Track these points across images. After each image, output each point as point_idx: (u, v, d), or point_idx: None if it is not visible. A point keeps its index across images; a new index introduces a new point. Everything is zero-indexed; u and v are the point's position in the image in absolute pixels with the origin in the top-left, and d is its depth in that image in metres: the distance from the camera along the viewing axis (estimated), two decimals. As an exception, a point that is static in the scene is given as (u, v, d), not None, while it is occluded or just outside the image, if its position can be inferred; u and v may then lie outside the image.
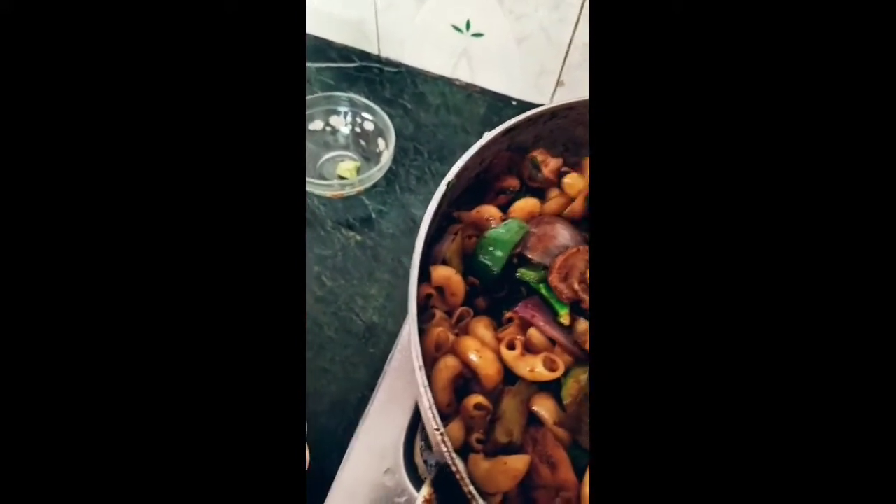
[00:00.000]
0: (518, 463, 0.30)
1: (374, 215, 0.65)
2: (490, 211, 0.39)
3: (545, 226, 0.38)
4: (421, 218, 0.64)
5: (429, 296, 0.37)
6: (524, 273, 0.36)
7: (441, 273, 0.37)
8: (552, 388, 0.33)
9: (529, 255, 0.36)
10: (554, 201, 0.41)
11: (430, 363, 0.33)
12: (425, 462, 0.40)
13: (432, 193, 0.62)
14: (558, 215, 0.40)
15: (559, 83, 0.71)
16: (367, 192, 0.65)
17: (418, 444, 0.42)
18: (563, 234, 0.37)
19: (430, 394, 0.29)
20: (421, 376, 0.30)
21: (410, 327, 0.31)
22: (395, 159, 0.67)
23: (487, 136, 0.40)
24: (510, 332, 0.34)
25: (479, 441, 0.31)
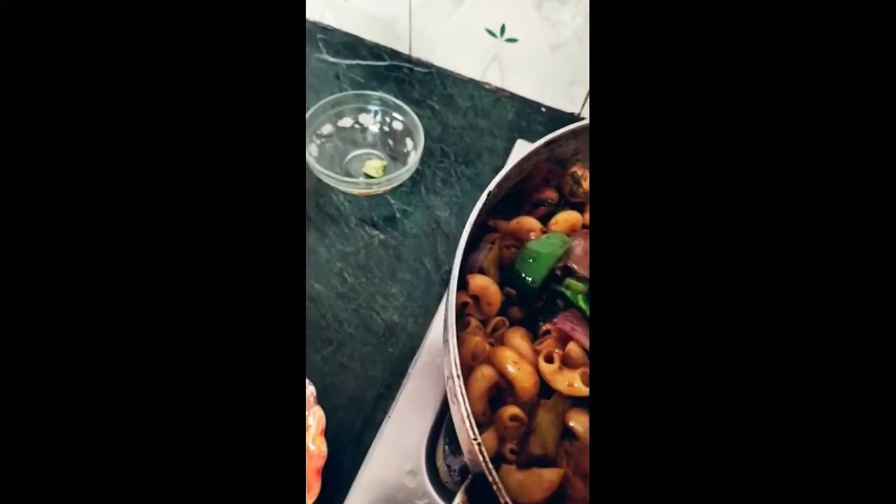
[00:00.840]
0: (552, 475, 0.30)
1: (398, 215, 0.65)
2: (530, 223, 0.40)
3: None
4: (445, 220, 0.64)
5: (465, 304, 0.37)
6: (571, 284, 0.36)
7: (478, 282, 0.37)
8: (588, 403, 0.33)
9: (575, 268, 0.36)
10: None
11: (465, 372, 0.34)
12: (448, 467, 0.40)
13: (458, 196, 0.62)
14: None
15: (590, 92, 0.71)
16: (393, 191, 0.65)
17: (441, 447, 0.42)
18: None
19: (467, 404, 0.29)
20: (459, 384, 0.30)
21: (449, 336, 0.32)
22: (421, 160, 0.67)
23: (529, 147, 0.40)
24: (547, 344, 0.34)
25: (512, 452, 0.32)
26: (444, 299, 0.51)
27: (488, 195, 0.37)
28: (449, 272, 0.47)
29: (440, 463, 0.42)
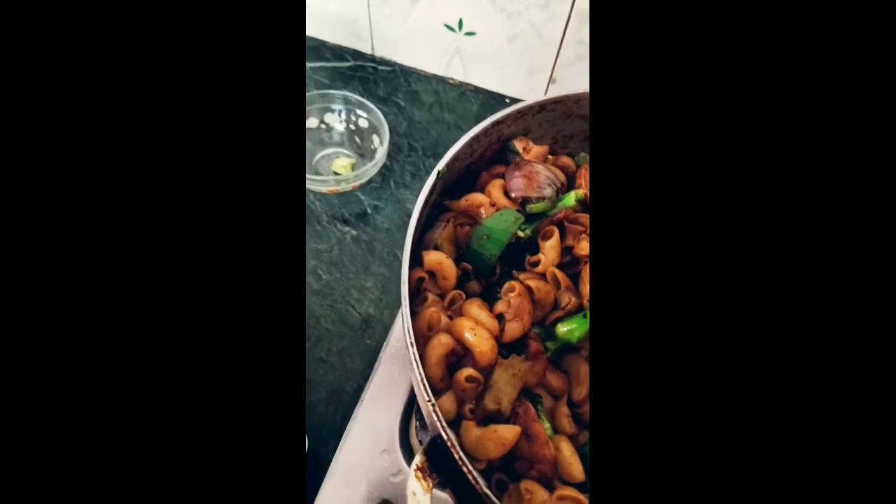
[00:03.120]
0: (507, 432, 0.31)
1: (369, 210, 0.66)
2: (478, 199, 0.41)
3: (526, 167, 0.41)
4: (415, 211, 0.66)
5: (421, 280, 0.38)
6: (532, 208, 0.40)
7: (432, 257, 0.38)
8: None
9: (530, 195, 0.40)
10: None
11: (422, 342, 0.35)
12: (420, 442, 0.41)
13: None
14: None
15: (552, 80, 0.72)
16: (363, 187, 0.66)
17: (413, 424, 0.43)
18: (542, 172, 0.41)
19: (421, 368, 0.30)
20: (413, 352, 0.31)
21: (403, 307, 0.33)
22: (389, 156, 0.69)
23: (476, 128, 0.41)
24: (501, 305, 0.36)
25: (471, 411, 0.33)
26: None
27: (438, 174, 0.39)
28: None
29: (413, 440, 0.43)
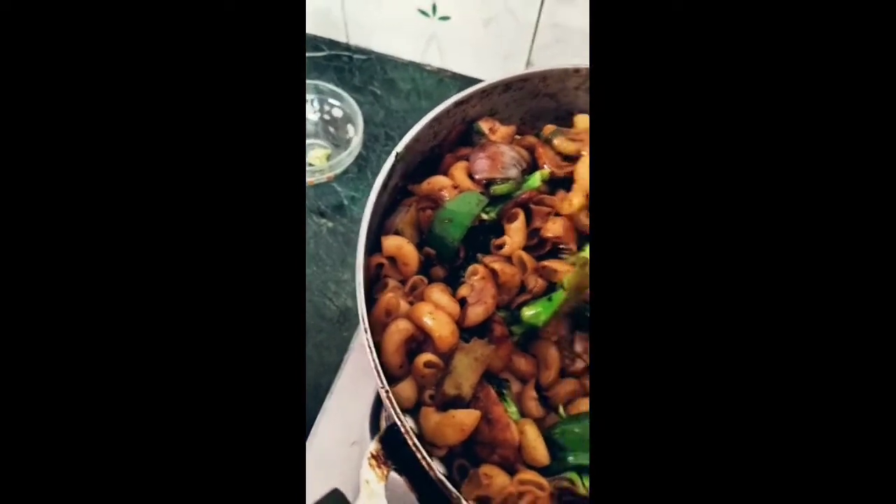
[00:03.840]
0: (466, 417, 0.30)
1: (345, 202, 0.65)
2: (441, 181, 0.40)
3: (491, 148, 0.41)
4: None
5: (380, 265, 0.37)
6: (497, 189, 0.39)
7: (392, 242, 0.37)
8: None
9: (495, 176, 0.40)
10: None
11: (380, 328, 0.34)
12: (388, 431, 0.41)
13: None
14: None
15: (528, 64, 0.71)
16: (339, 179, 0.65)
17: (384, 415, 0.42)
18: (507, 153, 0.40)
19: (374, 354, 0.29)
20: (367, 338, 0.30)
21: (357, 293, 0.32)
22: (365, 146, 0.68)
23: (438, 108, 0.40)
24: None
25: (431, 397, 0.32)
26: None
27: (396, 156, 0.38)
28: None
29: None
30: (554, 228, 0.38)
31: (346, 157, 0.63)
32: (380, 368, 0.29)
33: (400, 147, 0.38)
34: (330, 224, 0.64)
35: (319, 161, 0.66)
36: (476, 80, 0.76)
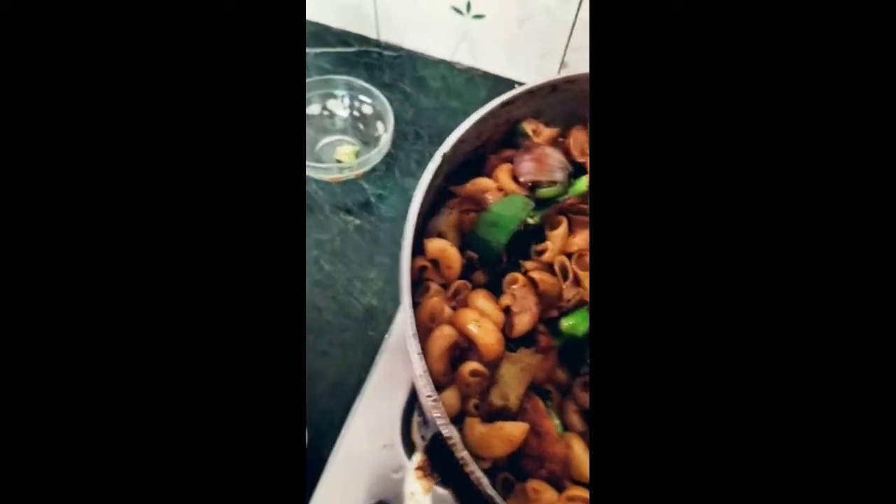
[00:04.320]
0: (515, 430, 0.29)
1: (373, 200, 0.64)
2: (485, 183, 0.39)
3: (536, 150, 0.40)
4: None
5: (423, 268, 0.36)
6: (543, 193, 0.39)
7: (436, 245, 0.36)
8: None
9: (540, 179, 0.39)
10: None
11: (424, 333, 0.33)
12: (422, 437, 0.40)
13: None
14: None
15: (563, 64, 0.70)
16: (367, 176, 0.64)
17: (415, 420, 0.41)
18: (553, 155, 0.39)
19: (422, 361, 0.28)
20: (414, 344, 0.29)
21: (403, 297, 0.31)
22: (394, 144, 0.67)
23: (484, 108, 0.39)
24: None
25: (476, 407, 0.31)
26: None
27: (443, 157, 0.37)
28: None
29: (415, 436, 0.41)
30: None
31: (375, 155, 0.62)
32: (427, 376, 0.28)
33: (446, 147, 0.37)
34: (357, 221, 0.63)
35: (348, 158, 0.65)
36: (507, 80, 0.75)
